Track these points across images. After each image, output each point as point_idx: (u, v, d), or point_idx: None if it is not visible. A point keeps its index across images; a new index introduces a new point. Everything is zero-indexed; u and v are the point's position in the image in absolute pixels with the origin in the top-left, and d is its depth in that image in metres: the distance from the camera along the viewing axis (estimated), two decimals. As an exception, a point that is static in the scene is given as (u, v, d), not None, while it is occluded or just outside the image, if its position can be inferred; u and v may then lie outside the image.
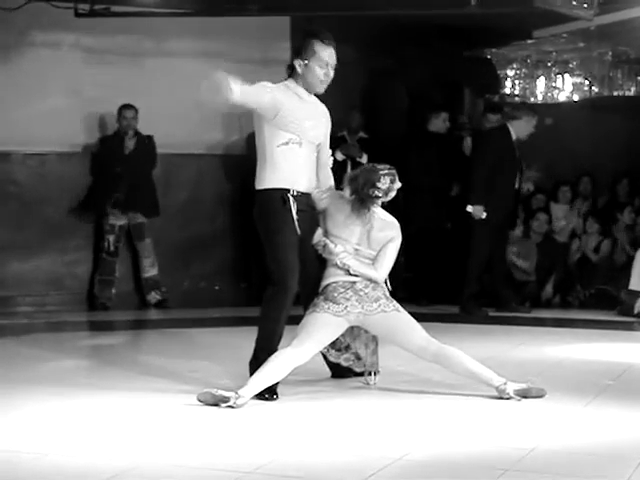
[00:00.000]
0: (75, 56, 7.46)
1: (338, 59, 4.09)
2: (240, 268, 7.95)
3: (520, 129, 7.13)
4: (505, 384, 3.84)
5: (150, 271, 7.53)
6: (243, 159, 7.44)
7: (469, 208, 6.97)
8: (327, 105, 4.27)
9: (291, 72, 4.03)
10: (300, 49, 4.01)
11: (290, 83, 4.02)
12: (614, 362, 4.94)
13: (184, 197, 7.76)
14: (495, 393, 3.85)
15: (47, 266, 7.32)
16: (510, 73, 8.52)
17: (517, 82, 8.53)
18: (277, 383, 3.82)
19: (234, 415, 3.56)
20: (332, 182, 4.25)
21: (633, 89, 8.28)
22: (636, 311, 6.92)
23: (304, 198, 4.02)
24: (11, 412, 3.63)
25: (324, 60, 3.95)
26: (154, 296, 7.52)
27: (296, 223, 3.95)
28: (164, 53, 7.60)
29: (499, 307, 7.23)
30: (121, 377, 4.44)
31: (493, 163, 7.01)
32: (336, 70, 4.11)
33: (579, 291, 7.66)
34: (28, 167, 7.38)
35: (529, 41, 8.25)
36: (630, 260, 7.25)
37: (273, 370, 3.77)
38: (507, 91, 8.59)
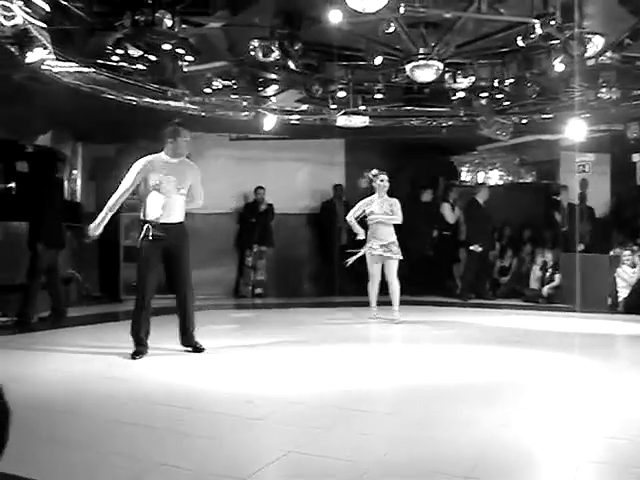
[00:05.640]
0: (230, 160, 13.71)
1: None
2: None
3: (483, 197, 13.18)
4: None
5: (259, 276, 13.63)
6: (317, 216, 13.83)
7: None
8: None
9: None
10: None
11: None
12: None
13: (287, 236, 13.94)
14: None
15: (214, 273, 13.40)
16: (464, 169, 14.62)
17: (468, 174, 14.65)
18: None
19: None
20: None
21: (530, 179, 14.23)
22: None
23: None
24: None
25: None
26: (257, 290, 13.61)
27: None
28: (277, 158, 13.86)
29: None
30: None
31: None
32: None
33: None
34: (205, 220, 13.50)
35: (474, 152, 14.30)
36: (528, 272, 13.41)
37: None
38: (463, 178, 14.68)
